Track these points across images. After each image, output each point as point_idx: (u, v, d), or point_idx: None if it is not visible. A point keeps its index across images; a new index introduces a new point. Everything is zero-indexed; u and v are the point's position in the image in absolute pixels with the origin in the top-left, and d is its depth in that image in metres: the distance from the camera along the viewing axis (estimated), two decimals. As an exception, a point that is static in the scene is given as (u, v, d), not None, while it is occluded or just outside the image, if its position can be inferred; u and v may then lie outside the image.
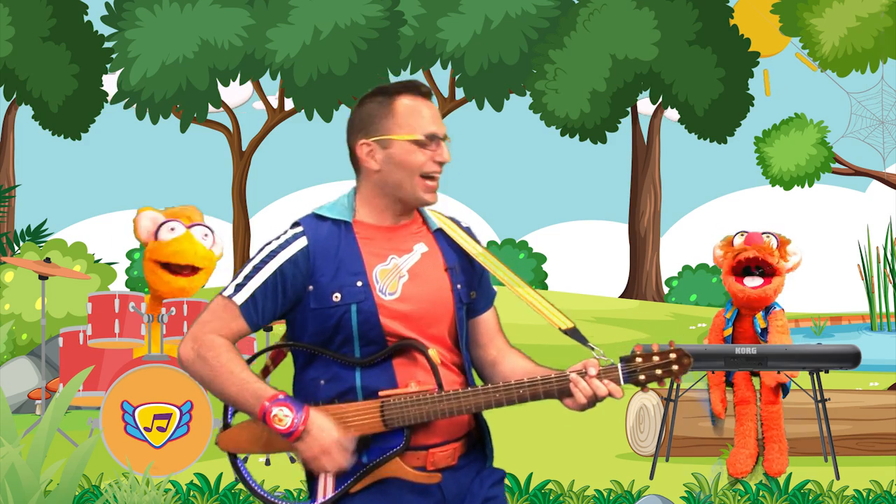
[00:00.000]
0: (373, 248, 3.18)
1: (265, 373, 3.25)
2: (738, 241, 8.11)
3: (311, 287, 3.13)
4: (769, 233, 8.16)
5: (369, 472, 3.13)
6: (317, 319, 3.14)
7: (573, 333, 3.21)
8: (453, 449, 3.19)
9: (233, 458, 3.23)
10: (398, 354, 3.15)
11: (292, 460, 8.37)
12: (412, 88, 3.20)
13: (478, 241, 3.31)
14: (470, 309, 3.28)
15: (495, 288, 3.37)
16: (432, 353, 3.14)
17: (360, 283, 3.13)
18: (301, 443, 3.06)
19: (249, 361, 3.19)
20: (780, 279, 7.97)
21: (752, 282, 7.96)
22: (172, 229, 8.72)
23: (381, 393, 3.11)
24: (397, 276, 3.18)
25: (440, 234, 3.28)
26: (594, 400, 3.14)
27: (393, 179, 3.16)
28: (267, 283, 3.13)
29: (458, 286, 3.23)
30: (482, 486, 3.25)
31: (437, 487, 3.18)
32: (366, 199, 3.20)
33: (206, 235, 8.81)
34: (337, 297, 3.12)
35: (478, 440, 3.26)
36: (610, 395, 3.16)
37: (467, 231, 3.31)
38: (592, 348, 3.16)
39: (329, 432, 3.06)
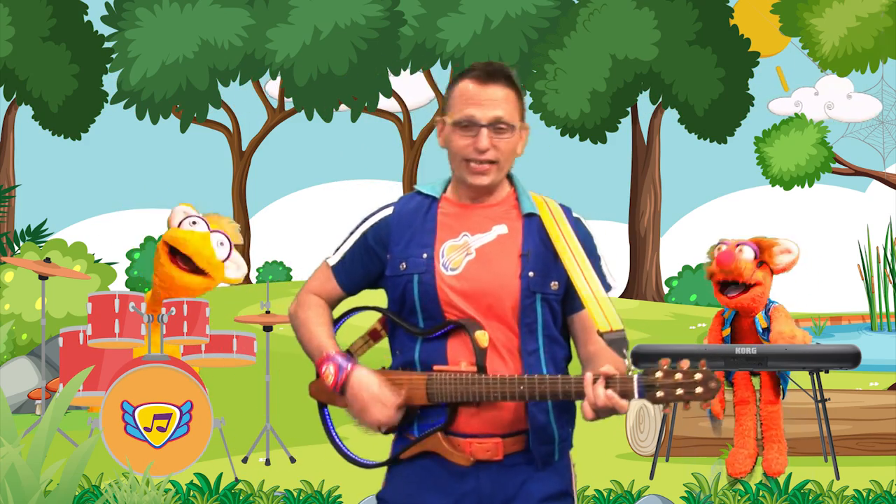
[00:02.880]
0: (450, 224, 3.25)
1: (374, 337, 3.37)
2: (717, 254, 7.97)
3: (388, 255, 3.26)
4: (743, 244, 7.93)
5: (415, 444, 3.22)
6: (390, 287, 3.27)
7: (611, 338, 3.09)
8: (494, 444, 3.17)
9: (320, 406, 3.39)
10: (455, 332, 3.18)
11: (292, 460, 8.37)
12: (475, 72, 3.26)
13: (583, 237, 3.26)
14: (566, 305, 3.24)
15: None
16: (479, 335, 3.15)
17: (425, 255, 3.22)
18: (345, 398, 3.22)
19: (337, 322, 3.38)
20: (761, 288, 7.88)
21: (732, 292, 7.93)
22: (194, 223, 8.59)
23: (435, 367, 3.17)
24: (464, 253, 3.22)
25: (532, 219, 3.26)
26: (596, 407, 3.01)
27: (450, 158, 3.27)
28: (355, 246, 3.33)
29: (530, 274, 3.19)
30: (532, 495, 3.20)
31: (473, 476, 3.19)
32: (452, 176, 3.30)
33: (221, 244, 8.57)
34: (403, 266, 3.23)
35: (542, 443, 3.20)
36: (613, 407, 3.01)
37: (574, 223, 3.28)
38: (625, 357, 3.07)
39: (368, 389, 3.18)
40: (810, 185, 17.56)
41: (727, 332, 8.01)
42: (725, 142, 18.16)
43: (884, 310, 15.64)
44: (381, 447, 3.35)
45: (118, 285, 13.04)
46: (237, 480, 7.51)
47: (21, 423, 8.37)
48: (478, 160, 3.21)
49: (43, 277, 8.88)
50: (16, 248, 15.09)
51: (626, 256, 18.94)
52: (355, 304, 3.43)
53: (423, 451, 3.21)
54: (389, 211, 3.31)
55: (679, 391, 2.94)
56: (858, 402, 8.96)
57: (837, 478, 7.69)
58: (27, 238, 14.95)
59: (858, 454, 8.63)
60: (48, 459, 6.77)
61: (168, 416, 7.80)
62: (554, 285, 3.21)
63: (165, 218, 8.70)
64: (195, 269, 8.42)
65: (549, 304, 3.21)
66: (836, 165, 17.81)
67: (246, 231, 18.83)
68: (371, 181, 18.78)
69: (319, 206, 18.77)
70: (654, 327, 14.72)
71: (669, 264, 18.77)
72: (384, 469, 3.35)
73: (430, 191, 3.30)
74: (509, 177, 3.33)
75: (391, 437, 3.32)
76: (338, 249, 3.37)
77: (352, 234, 3.34)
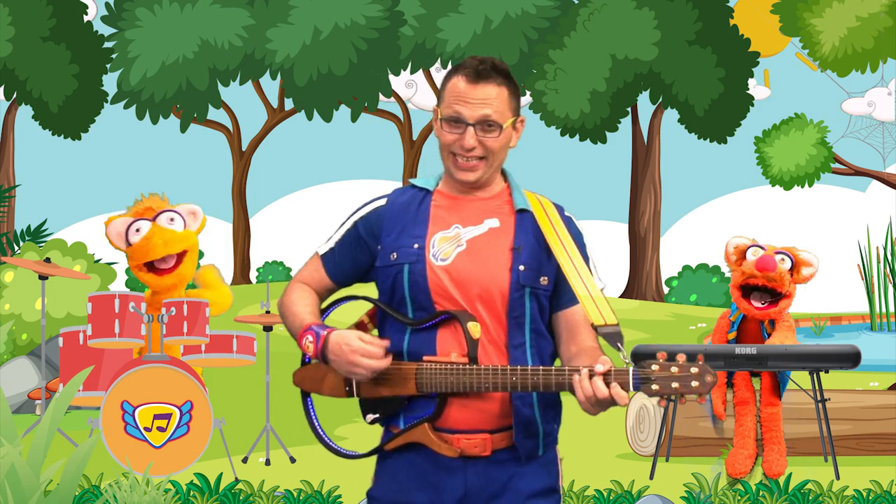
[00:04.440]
0: (442, 216, 3.26)
1: (361, 329, 3.36)
2: (752, 256, 7.90)
3: (379, 247, 3.27)
4: (784, 253, 7.92)
5: (400, 435, 3.21)
6: (380, 278, 3.27)
7: (606, 331, 3.08)
8: (483, 439, 3.18)
9: (304, 394, 3.40)
10: (445, 324, 3.18)
11: (292, 460, 8.37)
12: (466, 69, 3.23)
13: (575, 235, 3.26)
14: (553, 302, 3.25)
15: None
16: (471, 325, 3.14)
17: (416, 246, 3.22)
18: (331, 364, 3.21)
19: (326, 311, 3.38)
20: (788, 301, 7.88)
21: (758, 301, 7.89)
22: (138, 230, 8.64)
23: (424, 358, 3.17)
24: (455, 245, 3.22)
25: (525, 215, 3.27)
26: (595, 401, 3.00)
27: (440, 149, 3.29)
28: (345, 236, 3.33)
29: (521, 268, 3.20)
30: (519, 491, 3.20)
31: (461, 471, 3.19)
32: (444, 169, 3.32)
33: (171, 220, 8.63)
34: (394, 256, 3.23)
35: (526, 437, 3.20)
36: (612, 399, 2.98)
37: (566, 221, 3.29)
38: (620, 350, 3.05)
39: (348, 344, 3.17)
40: (810, 185, 17.55)
41: (733, 335, 8.00)
42: (725, 142, 18.15)
43: (884, 310, 15.63)
44: (372, 442, 3.34)
45: (118, 285, 13.02)
46: (237, 480, 7.51)
47: (21, 423, 8.37)
48: (464, 156, 3.22)
49: (43, 277, 8.88)
50: (16, 248, 15.09)
51: (626, 256, 18.94)
52: (346, 294, 3.43)
53: (409, 443, 3.21)
54: (383, 202, 3.32)
55: (675, 384, 2.91)
56: (858, 402, 8.95)
57: (837, 478, 7.69)
58: (27, 238, 14.95)
59: (858, 454, 8.63)
60: (48, 459, 6.77)
61: (168, 416, 7.80)
62: (544, 280, 3.22)
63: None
64: (161, 268, 8.53)
65: (538, 299, 3.22)
66: (836, 165, 17.80)
67: (246, 231, 18.84)
68: (371, 181, 18.76)
69: (319, 206, 18.77)
70: (653, 327, 14.71)
71: (669, 264, 18.76)
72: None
73: (424, 184, 3.32)
74: (503, 172, 3.35)
75: (381, 432, 3.31)
76: (329, 239, 3.38)
77: (343, 224, 3.35)
